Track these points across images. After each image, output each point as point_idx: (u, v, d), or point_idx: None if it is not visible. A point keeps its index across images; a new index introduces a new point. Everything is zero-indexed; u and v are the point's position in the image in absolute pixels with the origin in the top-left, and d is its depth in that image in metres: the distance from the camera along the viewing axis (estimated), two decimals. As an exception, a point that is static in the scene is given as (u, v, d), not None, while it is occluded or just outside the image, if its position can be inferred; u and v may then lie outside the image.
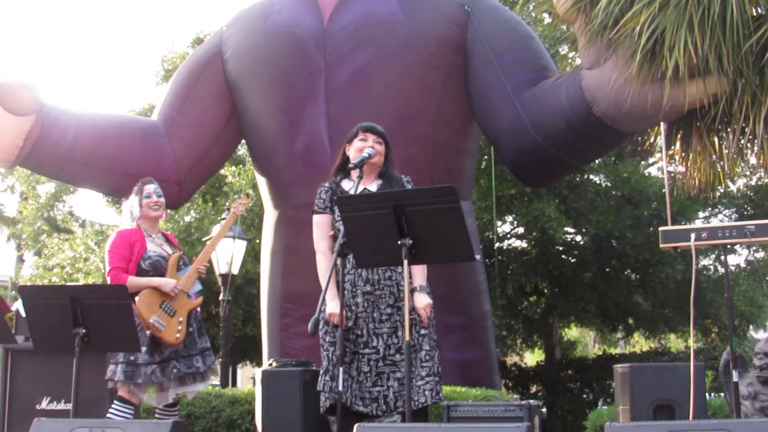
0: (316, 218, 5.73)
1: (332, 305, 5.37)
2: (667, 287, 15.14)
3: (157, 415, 6.32)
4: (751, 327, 16.15)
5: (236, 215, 6.96)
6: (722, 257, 6.13)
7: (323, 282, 5.48)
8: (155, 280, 6.11)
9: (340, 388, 5.08)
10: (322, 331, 5.50)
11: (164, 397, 6.15)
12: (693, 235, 5.57)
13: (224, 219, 6.80)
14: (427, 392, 5.34)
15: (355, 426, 4.00)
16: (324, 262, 5.64)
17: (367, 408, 5.29)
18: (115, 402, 5.97)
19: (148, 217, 6.36)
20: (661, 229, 5.72)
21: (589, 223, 14.21)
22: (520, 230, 16.11)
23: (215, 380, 9.68)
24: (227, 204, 7.06)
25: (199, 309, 6.41)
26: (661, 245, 5.71)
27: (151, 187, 6.39)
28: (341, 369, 5.11)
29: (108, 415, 5.92)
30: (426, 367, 5.37)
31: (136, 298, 5.93)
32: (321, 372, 5.44)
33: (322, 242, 5.69)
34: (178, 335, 6.04)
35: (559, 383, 17.44)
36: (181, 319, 6.10)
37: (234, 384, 20.86)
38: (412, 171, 6.22)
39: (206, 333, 6.47)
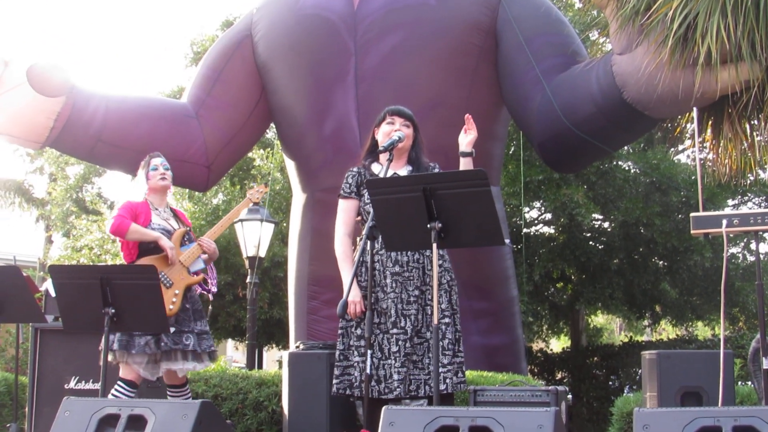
0: (340, 203, 5.70)
1: (354, 293, 5.35)
2: (695, 275, 15.08)
3: (169, 396, 6.28)
4: (779, 315, 16.04)
5: (250, 201, 7.00)
6: (752, 245, 6.08)
7: (341, 266, 5.51)
8: (157, 234, 6.12)
9: (368, 371, 5.06)
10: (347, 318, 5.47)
11: (155, 371, 6.10)
12: (725, 222, 5.52)
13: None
14: (455, 377, 5.34)
15: (383, 408, 3.98)
16: (340, 247, 5.60)
17: (397, 390, 5.25)
18: (118, 383, 5.94)
19: (155, 188, 6.36)
20: (692, 215, 5.67)
21: (617, 209, 14.16)
22: (548, 216, 16.09)
23: (239, 363, 9.69)
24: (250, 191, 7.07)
25: (199, 290, 6.40)
26: (692, 231, 5.67)
27: (158, 160, 6.39)
28: (369, 352, 5.09)
29: (112, 395, 5.88)
30: (448, 355, 5.35)
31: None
32: (339, 364, 5.44)
33: (341, 227, 5.65)
34: (171, 306, 6.00)
35: (585, 370, 17.41)
36: (177, 291, 6.09)
37: (260, 367, 20.94)
38: (441, 156, 6.19)
39: (205, 317, 6.41)
